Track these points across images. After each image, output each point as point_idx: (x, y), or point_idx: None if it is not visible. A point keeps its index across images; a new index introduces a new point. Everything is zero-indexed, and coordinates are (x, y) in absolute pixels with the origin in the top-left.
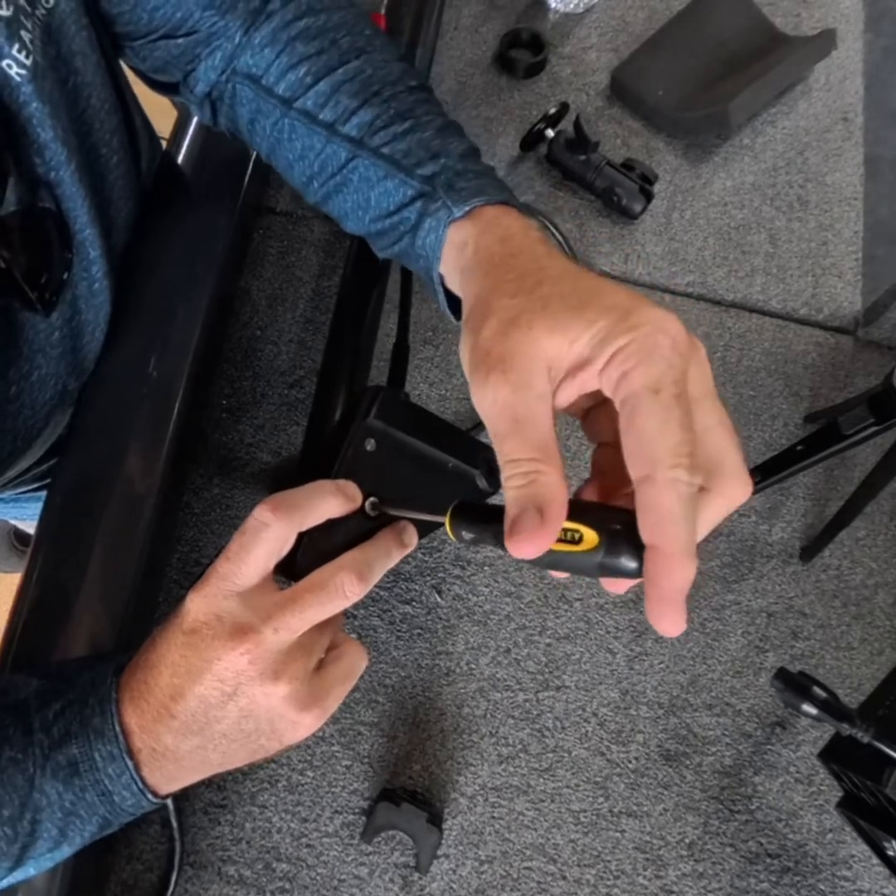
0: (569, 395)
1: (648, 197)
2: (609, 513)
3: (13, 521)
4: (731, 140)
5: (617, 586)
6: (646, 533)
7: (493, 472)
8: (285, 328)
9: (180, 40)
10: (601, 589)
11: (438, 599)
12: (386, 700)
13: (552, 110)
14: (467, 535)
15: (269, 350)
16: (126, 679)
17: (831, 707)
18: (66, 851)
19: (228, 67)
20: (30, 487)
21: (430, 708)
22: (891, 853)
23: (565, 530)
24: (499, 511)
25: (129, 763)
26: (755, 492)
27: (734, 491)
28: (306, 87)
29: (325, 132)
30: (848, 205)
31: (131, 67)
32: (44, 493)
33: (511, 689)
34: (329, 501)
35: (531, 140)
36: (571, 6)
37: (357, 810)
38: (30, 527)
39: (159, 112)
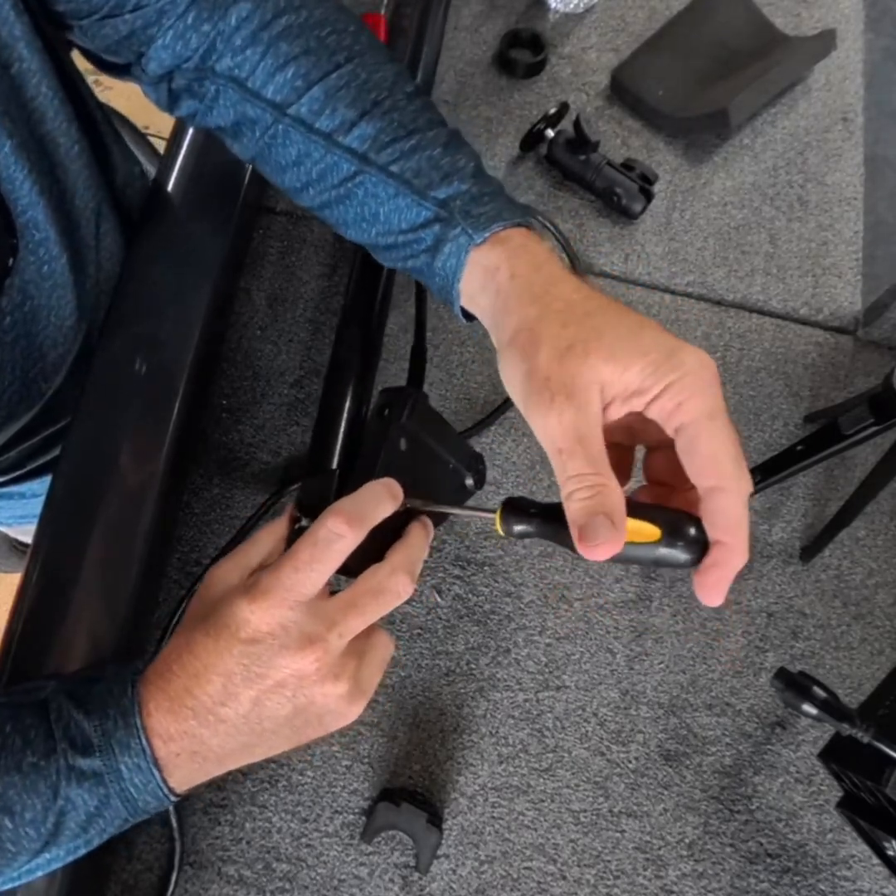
0: (612, 415)
1: (648, 197)
2: (665, 512)
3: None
4: (731, 140)
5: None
6: (718, 532)
7: (479, 475)
8: (285, 328)
9: (127, 17)
10: (601, 589)
11: (438, 599)
12: (386, 700)
13: (552, 110)
14: (518, 528)
15: (269, 350)
16: (153, 688)
17: (831, 707)
18: (82, 850)
19: (193, 58)
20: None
21: (430, 708)
22: (891, 853)
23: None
24: (547, 508)
25: (156, 773)
26: (755, 492)
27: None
28: (299, 91)
29: (324, 142)
30: (848, 205)
31: (84, 50)
32: (13, 490)
33: (511, 689)
34: (386, 505)
35: (531, 140)
36: (571, 6)
37: (357, 810)
38: (17, 533)
39: (160, 112)
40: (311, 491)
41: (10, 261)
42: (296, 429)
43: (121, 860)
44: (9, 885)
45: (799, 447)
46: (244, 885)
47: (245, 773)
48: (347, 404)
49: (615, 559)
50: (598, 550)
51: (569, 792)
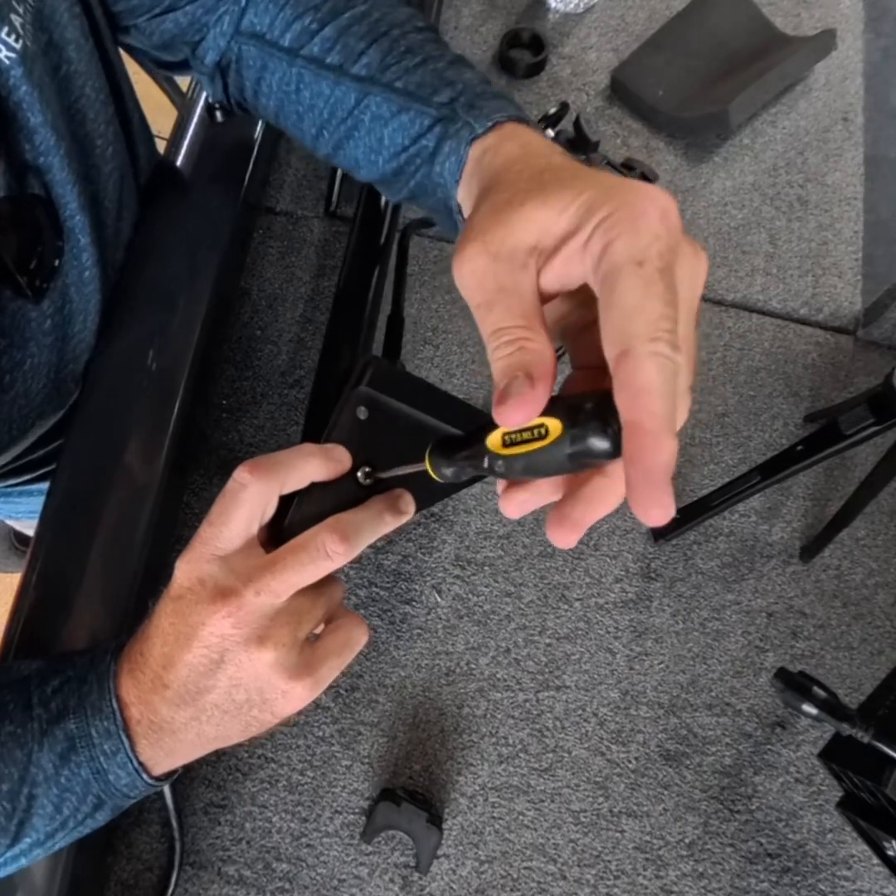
0: (555, 275)
1: None
2: (575, 399)
3: (9, 522)
4: (731, 140)
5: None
6: (625, 408)
7: None
8: (285, 328)
9: (187, 9)
10: (601, 589)
11: (438, 599)
12: (386, 700)
13: (552, 110)
14: (447, 471)
15: (269, 350)
16: (124, 654)
17: (831, 707)
18: (60, 840)
19: (235, 31)
20: (21, 479)
21: (430, 708)
22: (891, 853)
23: (531, 428)
24: (472, 436)
25: (125, 740)
26: (755, 492)
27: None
28: (312, 32)
29: (333, 75)
30: (848, 205)
31: (137, 51)
32: (34, 487)
33: (511, 689)
34: (311, 463)
35: None
36: (571, 6)
37: (357, 810)
38: (26, 527)
39: (159, 112)
40: None
41: (57, 262)
42: (296, 429)
43: (121, 860)
44: None
45: (799, 447)
46: (244, 884)
47: (245, 773)
48: (339, 378)
49: (526, 473)
50: (511, 413)
51: (569, 792)
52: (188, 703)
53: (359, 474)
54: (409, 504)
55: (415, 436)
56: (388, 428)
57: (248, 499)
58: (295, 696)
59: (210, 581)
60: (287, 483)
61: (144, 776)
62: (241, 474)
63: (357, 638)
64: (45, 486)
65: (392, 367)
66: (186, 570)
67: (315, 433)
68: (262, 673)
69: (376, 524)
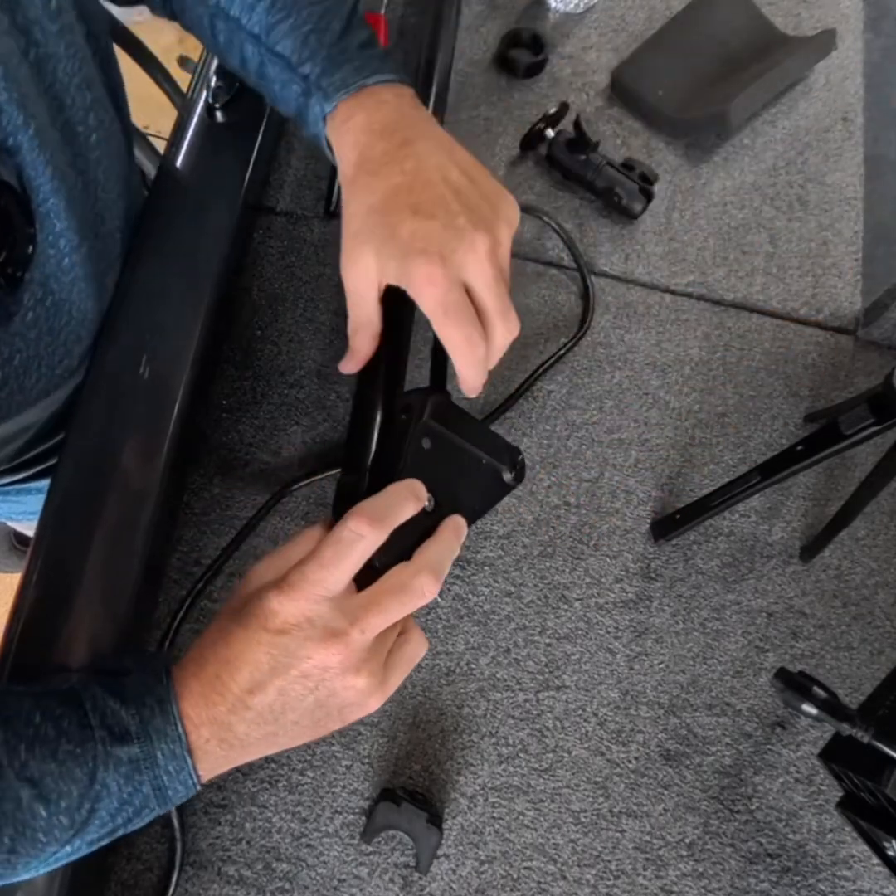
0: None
1: (648, 197)
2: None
3: (8, 523)
4: (731, 140)
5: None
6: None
7: (516, 468)
8: (285, 328)
9: None
10: (601, 589)
11: (438, 599)
12: (386, 700)
13: (552, 110)
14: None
15: (269, 350)
16: (187, 674)
17: (831, 707)
18: (105, 841)
19: None
20: (17, 477)
21: (430, 708)
22: (891, 853)
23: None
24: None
25: (189, 760)
26: (755, 492)
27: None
28: None
29: (235, 28)
30: (848, 205)
31: None
32: (32, 486)
33: (511, 689)
34: (407, 506)
35: (531, 140)
36: (571, 6)
37: (357, 810)
38: (25, 528)
39: (159, 112)
40: (344, 490)
41: (30, 249)
42: (296, 429)
43: (121, 860)
44: (26, 876)
45: (799, 447)
46: (244, 885)
47: (245, 772)
48: (381, 400)
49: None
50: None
51: (569, 792)
52: (269, 722)
53: (424, 503)
54: (464, 528)
55: (460, 463)
56: (445, 458)
57: (363, 548)
58: (368, 708)
59: (319, 621)
60: (392, 528)
61: (198, 787)
62: (358, 526)
63: (421, 652)
64: (42, 483)
65: (447, 398)
66: (292, 607)
67: (359, 446)
68: (351, 696)
69: (451, 555)
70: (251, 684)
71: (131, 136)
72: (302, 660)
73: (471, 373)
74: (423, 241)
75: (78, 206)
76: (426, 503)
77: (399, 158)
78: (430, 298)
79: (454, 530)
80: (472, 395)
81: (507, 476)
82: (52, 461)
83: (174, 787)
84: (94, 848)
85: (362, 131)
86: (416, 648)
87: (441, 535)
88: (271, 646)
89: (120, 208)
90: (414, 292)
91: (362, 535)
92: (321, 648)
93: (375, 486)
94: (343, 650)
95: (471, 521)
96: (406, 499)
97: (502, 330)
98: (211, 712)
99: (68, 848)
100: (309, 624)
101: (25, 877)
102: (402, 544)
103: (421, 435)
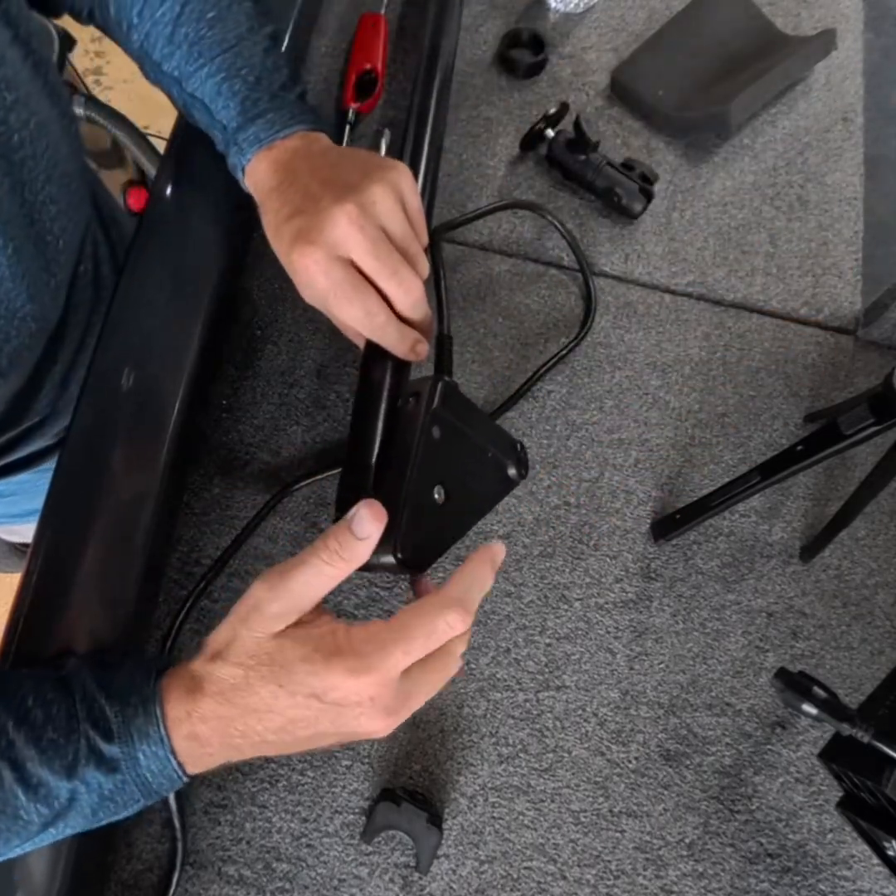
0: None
1: (648, 197)
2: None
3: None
4: (731, 140)
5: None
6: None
7: (521, 463)
8: (285, 328)
9: None
10: (601, 589)
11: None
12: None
13: (552, 110)
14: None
15: (269, 350)
16: (191, 677)
17: (831, 707)
18: (91, 826)
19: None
20: None
21: (430, 708)
22: (891, 853)
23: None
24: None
25: (173, 760)
26: (755, 492)
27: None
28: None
29: (157, 71)
30: (848, 205)
31: None
32: (3, 482)
33: (511, 689)
34: (490, 578)
35: (531, 140)
36: (571, 6)
37: (357, 810)
38: (13, 534)
39: (159, 112)
40: (348, 486)
41: None
42: (296, 428)
43: (121, 860)
44: (17, 852)
45: (799, 447)
46: (244, 885)
47: (245, 772)
48: (384, 396)
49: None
50: None
51: (569, 792)
52: (274, 735)
53: (435, 495)
54: (501, 552)
55: (468, 454)
56: (455, 449)
57: (458, 644)
58: (378, 732)
59: (379, 702)
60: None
61: (185, 779)
62: (455, 622)
63: (449, 674)
64: (10, 478)
65: (456, 387)
66: (362, 688)
67: (362, 443)
68: (361, 723)
69: (483, 586)
70: (266, 707)
71: (74, 127)
72: (327, 690)
73: (391, 340)
74: (293, 235)
75: (2, 207)
76: (435, 495)
77: (290, 195)
78: (314, 287)
79: (487, 558)
80: (419, 359)
81: (512, 471)
82: (8, 459)
83: (159, 782)
84: (87, 830)
85: (269, 175)
86: (444, 672)
87: (469, 566)
88: (323, 712)
89: (61, 206)
90: (301, 286)
91: (455, 628)
92: (376, 722)
93: (386, 480)
94: (391, 721)
95: (477, 518)
96: (488, 572)
97: (396, 289)
98: (219, 722)
99: (53, 830)
100: (371, 703)
101: (10, 855)
102: (432, 529)
103: (433, 423)
